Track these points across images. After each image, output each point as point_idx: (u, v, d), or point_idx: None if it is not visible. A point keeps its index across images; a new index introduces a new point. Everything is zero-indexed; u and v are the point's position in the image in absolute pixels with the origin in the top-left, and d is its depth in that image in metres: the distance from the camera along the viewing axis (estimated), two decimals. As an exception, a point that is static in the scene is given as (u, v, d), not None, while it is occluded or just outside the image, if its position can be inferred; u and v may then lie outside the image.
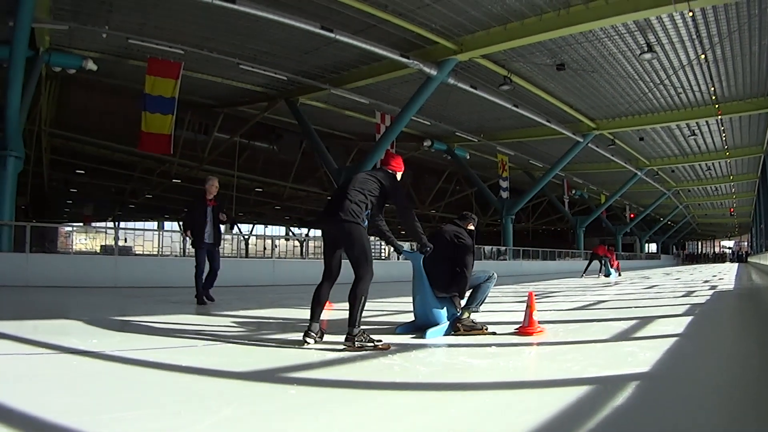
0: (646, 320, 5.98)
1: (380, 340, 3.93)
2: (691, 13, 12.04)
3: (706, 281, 16.03)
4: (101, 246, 23.02)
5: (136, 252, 26.43)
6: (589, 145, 23.29)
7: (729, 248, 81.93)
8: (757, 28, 13.03)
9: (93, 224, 36.53)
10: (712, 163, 29.51)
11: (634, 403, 2.61)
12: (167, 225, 49.08)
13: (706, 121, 21.03)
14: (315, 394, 2.79)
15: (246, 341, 4.32)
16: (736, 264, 46.64)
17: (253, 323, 5.59)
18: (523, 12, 12.67)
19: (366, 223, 4.04)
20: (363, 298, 3.89)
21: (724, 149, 25.65)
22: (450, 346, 4.31)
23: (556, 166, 25.83)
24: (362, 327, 3.93)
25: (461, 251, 4.79)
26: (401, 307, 6.80)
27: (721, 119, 20.18)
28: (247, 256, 19.23)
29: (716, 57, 14.94)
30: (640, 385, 2.94)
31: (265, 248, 19.79)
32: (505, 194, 27.14)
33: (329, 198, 4.92)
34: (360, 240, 3.90)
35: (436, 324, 4.70)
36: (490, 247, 26.30)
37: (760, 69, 15.73)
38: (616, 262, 19.76)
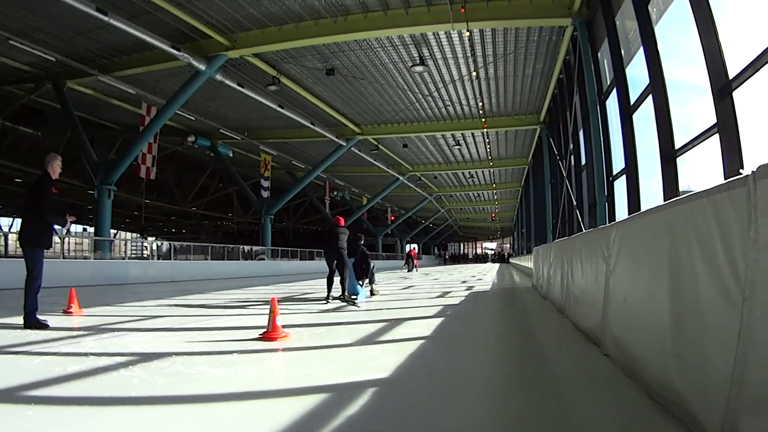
0: (394, 323, 6.54)
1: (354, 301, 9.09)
2: (468, 33, 13.76)
3: (463, 281, 17.78)
4: None
5: None
6: (353, 149, 25.39)
7: (491, 249, 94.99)
8: (533, 53, 15.57)
9: None
10: (476, 172, 34.69)
11: (367, 411, 2.84)
12: None
13: (472, 133, 24.54)
14: (48, 414, 2.77)
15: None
16: (498, 264, 53.77)
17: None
18: (301, 15, 13.35)
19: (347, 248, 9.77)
20: (347, 281, 9.39)
21: (488, 159, 30.24)
22: (191, 354, 4.36)
23: (317, 167, 27.80)
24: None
25: (365, 256, 10.70)
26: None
27: (487, 132, 23.61)
28: (6, 254, 16.53)
29: (488, 75, 17.50)
30: (378, 392, 3.22)
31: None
32: (265, 193, 28.04)
33: (328, 235, 9.65)
34: (341, 257, 9.34)
35: (358, 294, 9.62)
36: (249, 247, 26.73)
37: (531, 89, 18.94)
38: (416, 261, 32.74)
